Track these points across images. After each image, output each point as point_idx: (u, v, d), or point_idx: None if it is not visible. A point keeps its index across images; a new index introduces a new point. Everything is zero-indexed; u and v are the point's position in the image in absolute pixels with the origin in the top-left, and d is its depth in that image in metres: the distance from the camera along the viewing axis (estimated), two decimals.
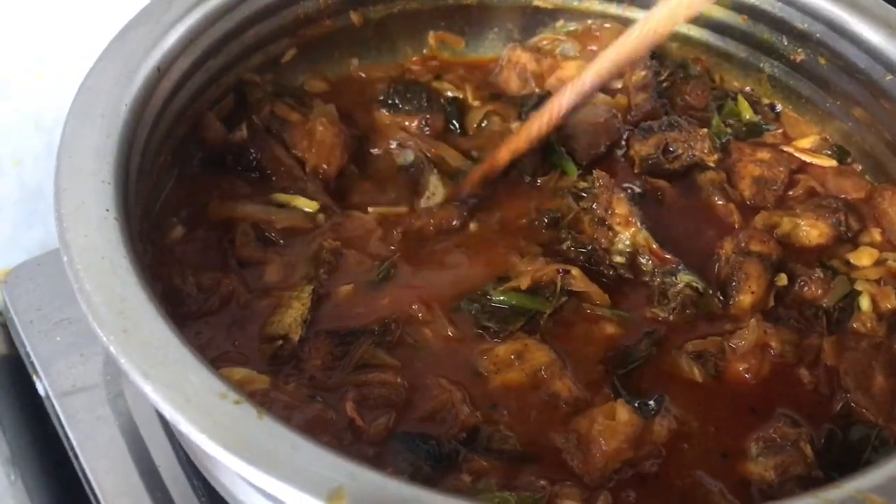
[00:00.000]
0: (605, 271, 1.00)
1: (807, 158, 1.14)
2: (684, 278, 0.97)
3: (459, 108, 1.21)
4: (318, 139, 1.09)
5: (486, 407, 0.87)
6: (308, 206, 1.04)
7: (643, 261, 1.00)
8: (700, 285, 0.96)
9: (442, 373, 0.89)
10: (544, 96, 1.16)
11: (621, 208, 1.01)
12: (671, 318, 0.96)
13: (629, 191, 1.06)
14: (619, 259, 1.00)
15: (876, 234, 1.06)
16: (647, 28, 0.93)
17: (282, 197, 1.04)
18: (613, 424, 0.82)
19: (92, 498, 0.97)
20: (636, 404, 0.85)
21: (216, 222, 1.00)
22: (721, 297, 0.97)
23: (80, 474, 0.99)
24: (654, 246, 1.00)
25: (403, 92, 1.19)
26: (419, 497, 0.63)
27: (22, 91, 1.27)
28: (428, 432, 0.83)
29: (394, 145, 1.14)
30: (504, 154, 1.06)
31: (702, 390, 0.91)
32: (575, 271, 0.96)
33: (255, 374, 0.84)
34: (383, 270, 0.98)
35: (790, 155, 1.14)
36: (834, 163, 1.15)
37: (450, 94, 1.23)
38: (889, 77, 1.06)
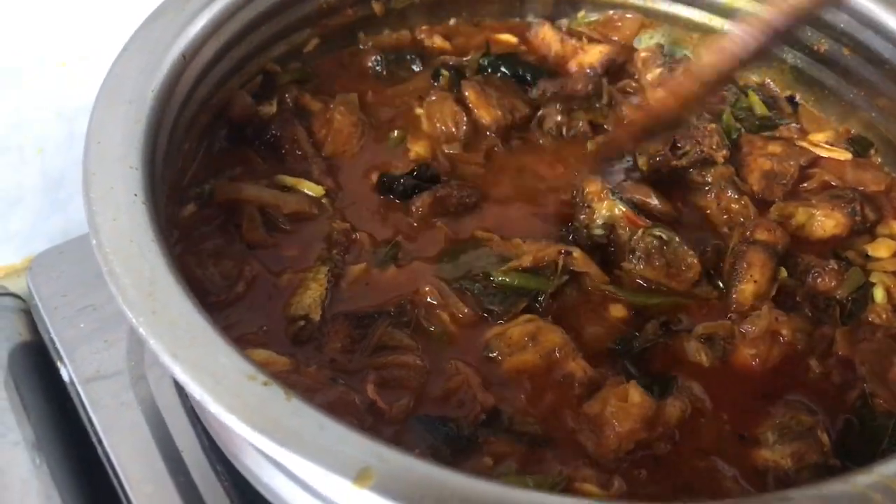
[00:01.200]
0: (588, 245, 1.00)
1: (822, 153, 1.13)
2: (651, 231, 0.98)
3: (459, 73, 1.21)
4: (335, 127, 1.10)
5: (501, 388, 0.87)
6: (313, 190, 1.04)
7: (621, 231, 0.99)
8: (665, 234, 0.97)
9: (456, 355, 0.89)
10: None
11: (592, 186, 1.02)
12: (641, 268, 0.97)
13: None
14: (598, 232, 1.01)
15: (895, 226, 1.06)
16: None
17: (288, 179, 1.05)
18: (626, 406, 0.83)
19: (116, 482, 0.98)
20: (649, 385, 0.86)
21: (222, 203, 1.00)
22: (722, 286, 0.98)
23: (104, 459, 1.00)
24: (628, 211, 1.00)
25: (394, 59, 1.21)
26: (446, 478, 0.63)
27: (44, 80, 1.28)
28: (447, 415, 0.83)
29: None
30: (670, 101, 1.00)
31: (713, 375, 0.91)
32: (577, 252, 0.97)
33: (276, 356, 0.84)
34: (390, 250, 0.99)
35: (803, 149, 1.13)
36: (849, 156, 1.13)
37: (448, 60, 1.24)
38: None
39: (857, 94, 1.15)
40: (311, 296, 0.92)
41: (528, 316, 0.92)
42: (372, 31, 1.24)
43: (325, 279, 0.94)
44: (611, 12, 1.27)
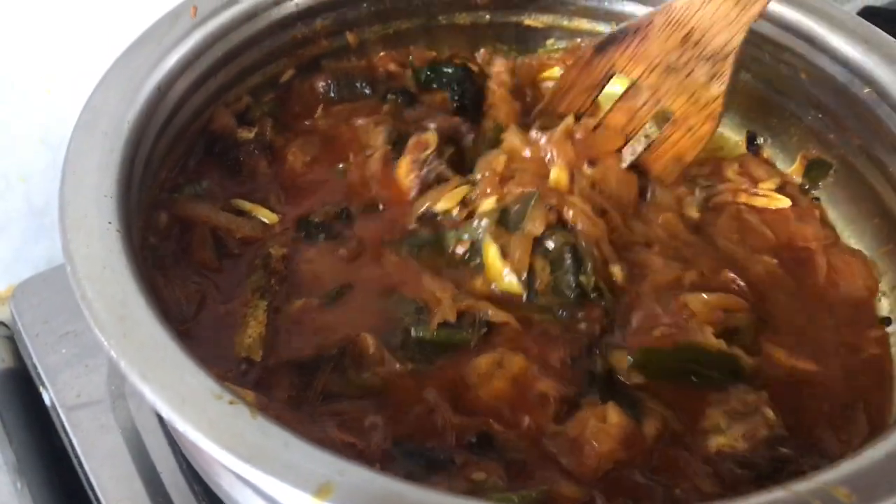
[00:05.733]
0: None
1: (760, 203, 1.14)
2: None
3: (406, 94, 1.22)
4: (288, 167, 1.12)
5: (479, 415, 0.87)
6: (269, 217, 1.05)
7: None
8: None
9: (424, 386, 0.90)
10: None
11: None
12: None
13: None
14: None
15: None
16: None
17: (245, 204, 1.06)
18: (605, 427, 0.84)
19: None
20: (625, 406, 0.87)
21: (180, 218, 1.01)
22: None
23: (85, 481, 1.02)
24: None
25: (346, 84, 1.22)
26: (405, 492, 0.65)
27: (29, 108, 1.29)
28: (425, 444, 0.84)
29: None
30: None
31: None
32: (492, 310, 0.95)
33: (242, 390, 0.84)
34: (336, 291, 0.98)
35: None
36: (788, 202, 1.14)
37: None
38: (867, 90, 1.08)
39: (815, 117, 1.17)
40: (251, 334, 0.91)
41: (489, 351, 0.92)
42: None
43: (265, 315, 0.93)
44: (578, 40, 1.30)
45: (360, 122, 1.16)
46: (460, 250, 1.02)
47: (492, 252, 1.00)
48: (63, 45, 1.29)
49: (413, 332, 0.94)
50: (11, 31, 1.26)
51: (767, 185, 1.17)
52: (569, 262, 0.99)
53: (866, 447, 0.72)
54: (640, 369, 0.93)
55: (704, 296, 0.97)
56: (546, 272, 0.99)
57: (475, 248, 1.01)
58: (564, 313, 0.97)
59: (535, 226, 1.00)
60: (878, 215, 1.12)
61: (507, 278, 0.99)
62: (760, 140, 1.25)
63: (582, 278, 0.98)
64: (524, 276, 0.98)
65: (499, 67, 1.27)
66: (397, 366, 0.91)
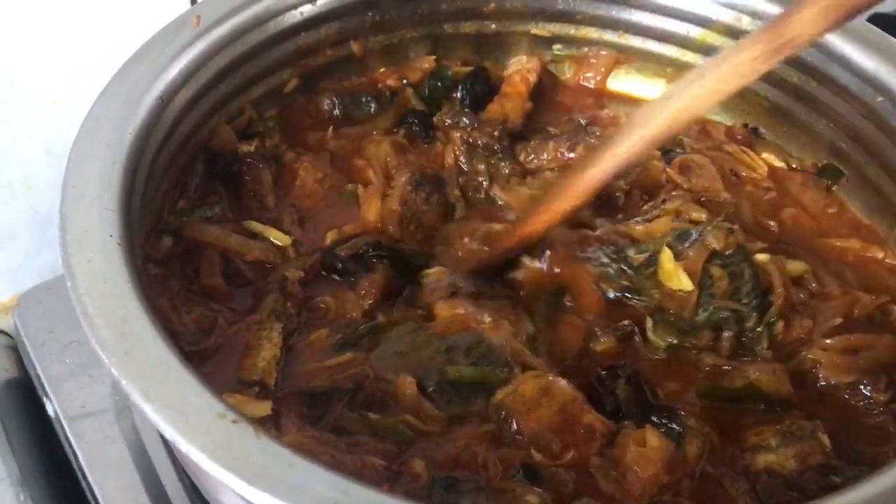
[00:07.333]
0: None
1: (746, 161, 1.18)
2: None
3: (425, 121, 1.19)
4: (298, 183, 1.10)
5: (522, 447, 0.84)
6: (280, 239, 1.03)
7: None
8: None
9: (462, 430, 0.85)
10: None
11: None
12: None
13: None
14: None
15: None
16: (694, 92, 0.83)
17: (256, 226, 1.04)
18: (645, 451, 0.82)
19: None
20: (664, 429, 0.85)
21: (189, 240, 0.99)
22: None
23: (88, 493, 1.01)
24: None
25: (350, 101, 1.21)
26: None
27: (35, 117, 1.29)
28: (463, 478, 0.80)
29: None
30: (536, 226, 0.97)
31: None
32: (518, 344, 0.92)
33: (256, 402, 0.83)
34: (366, 329, 0.94)
35: None
36: (766, 169, 1.18)
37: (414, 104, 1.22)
38: (880, 99, 1.07)
39: (826, 126, 1.16)
40: (265, 357, 0.88)
41: (534, 371, 0.89)
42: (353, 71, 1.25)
43: (280, 338, 0.90)
44: (585, 49, 1.28)
45: (376, 147, 1.14)
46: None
47: (666, 255, 0.97)
48: (70, 53, 1.29)
49: (448, 374, 0.88)
50: (16, 41, 1.26)
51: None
52: (748, 275, 0.96)
53: (880, 471, 0.71)
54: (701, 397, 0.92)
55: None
56: (724, 280, 0.96)
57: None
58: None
59: (716, 240, 0.97)
60: (890, 223, 1.12)
61: (681, 277, 0.96)
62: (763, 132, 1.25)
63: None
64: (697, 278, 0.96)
65: (529, 65, 1.25)
66: (435, 412, 0.85)
